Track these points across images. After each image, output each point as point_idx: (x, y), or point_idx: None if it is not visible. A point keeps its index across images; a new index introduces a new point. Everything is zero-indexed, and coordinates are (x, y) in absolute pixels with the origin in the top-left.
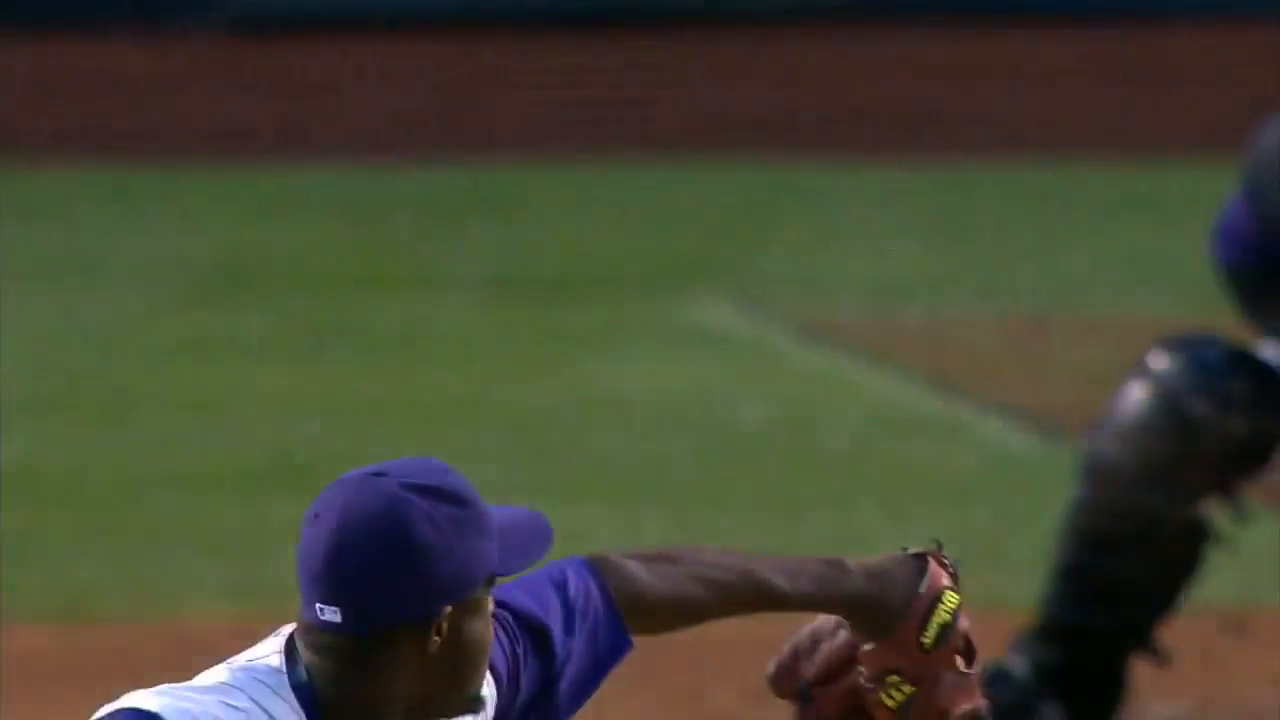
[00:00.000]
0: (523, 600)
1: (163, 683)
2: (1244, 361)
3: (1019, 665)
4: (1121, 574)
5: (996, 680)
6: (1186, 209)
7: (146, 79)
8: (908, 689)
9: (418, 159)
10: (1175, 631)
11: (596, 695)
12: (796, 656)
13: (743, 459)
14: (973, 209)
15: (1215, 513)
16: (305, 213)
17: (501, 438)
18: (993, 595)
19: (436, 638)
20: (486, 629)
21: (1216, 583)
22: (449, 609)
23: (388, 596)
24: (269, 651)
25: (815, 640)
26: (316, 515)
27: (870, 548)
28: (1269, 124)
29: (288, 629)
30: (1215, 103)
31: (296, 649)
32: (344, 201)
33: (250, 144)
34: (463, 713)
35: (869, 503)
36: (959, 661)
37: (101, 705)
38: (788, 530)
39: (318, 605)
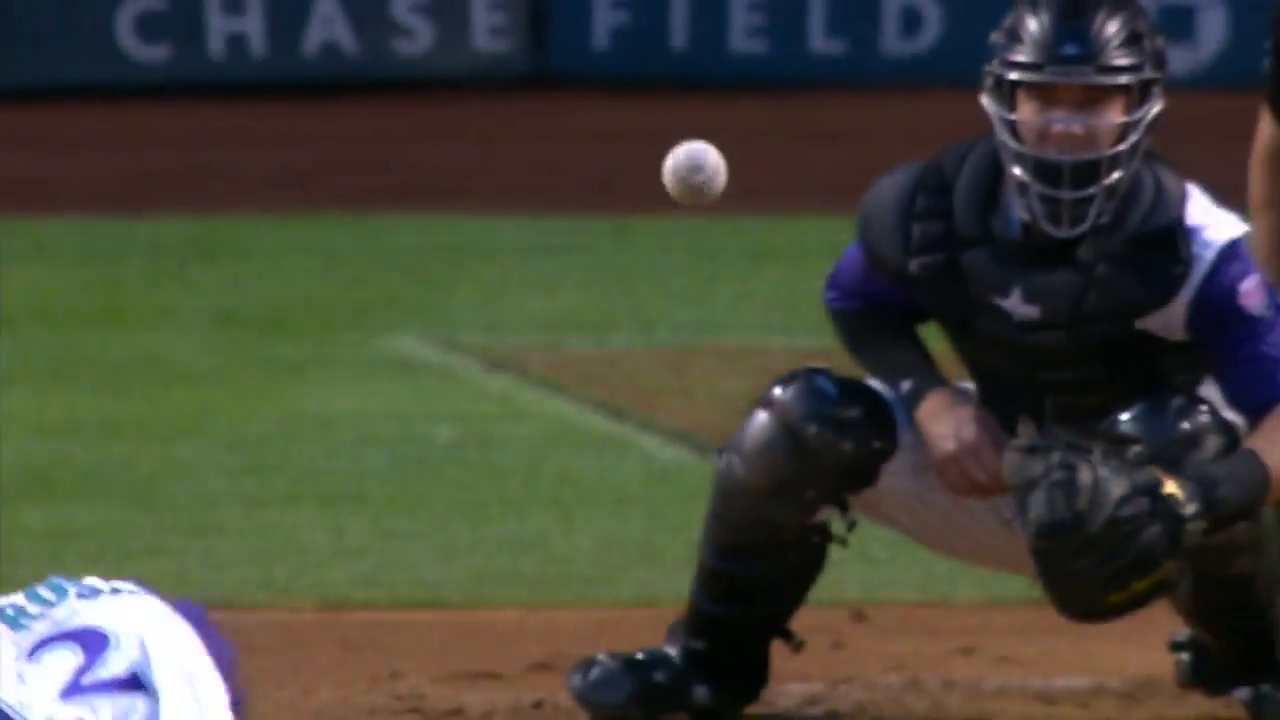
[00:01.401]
0: None
1: None
2: (854, 390)
3: (673, 652)
4: (754, 575)
5: (655, 664)
6: (817, 255)
7: None
8: None
9: (151, 212)
10: (807, 621)
11: (293, 679)
12: None
13: (434, 471)
14: (633, 257)
15: (831, 520)
16: (49, 259)
17: (224, 454)
18: (648, 590)
19: None
20: None
21: (843, 578)
22: None
23: None
24: None
25: None
26: None
27: (545, 548)
28: (879, 181)
29: None
30: (838, 163)
31: None
32: (84, 249)
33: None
34: None
35: (542, 509)
36: None
37: None
38: (472, 532)
39: None
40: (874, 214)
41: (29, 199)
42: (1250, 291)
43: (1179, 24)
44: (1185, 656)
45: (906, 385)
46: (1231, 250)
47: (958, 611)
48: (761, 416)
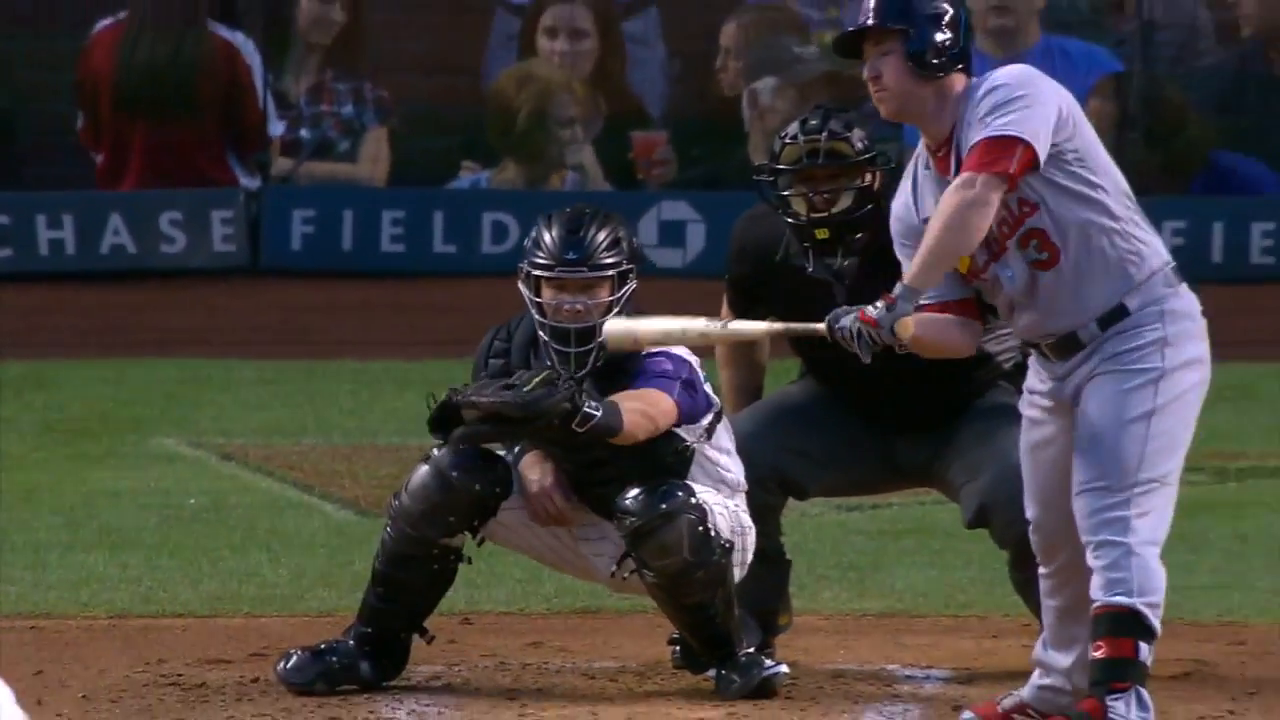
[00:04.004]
0: None
1: None
2: (484, 452)
3: (349, 639)
4: (407, 578)
5: (332, 651)
6: (438, 385)
7: None
8: None
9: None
10: (433, 623)
11: (94, 663)
12: None
13: (186, 526)
14: (318, 387)
15: (464, 544)
16: None
17: (48, 516)
18: (328, 606)
19: None
20: None
21: (455, 595)
22: None
23: None
24: None
25: None
26: None
27: (259, 577)
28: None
29: None
30: (454, 325)
31: None
32: None
33: None
34: None
35: (258, 551)
36: None
37: None
38: (212, 567)
39: None
40: (479, 354)
41: None
42: (658, 357)
43: (674, 234)
44: (677, 649)
45: (516, 449)
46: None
47: (530, 618)
48: (423, 466)
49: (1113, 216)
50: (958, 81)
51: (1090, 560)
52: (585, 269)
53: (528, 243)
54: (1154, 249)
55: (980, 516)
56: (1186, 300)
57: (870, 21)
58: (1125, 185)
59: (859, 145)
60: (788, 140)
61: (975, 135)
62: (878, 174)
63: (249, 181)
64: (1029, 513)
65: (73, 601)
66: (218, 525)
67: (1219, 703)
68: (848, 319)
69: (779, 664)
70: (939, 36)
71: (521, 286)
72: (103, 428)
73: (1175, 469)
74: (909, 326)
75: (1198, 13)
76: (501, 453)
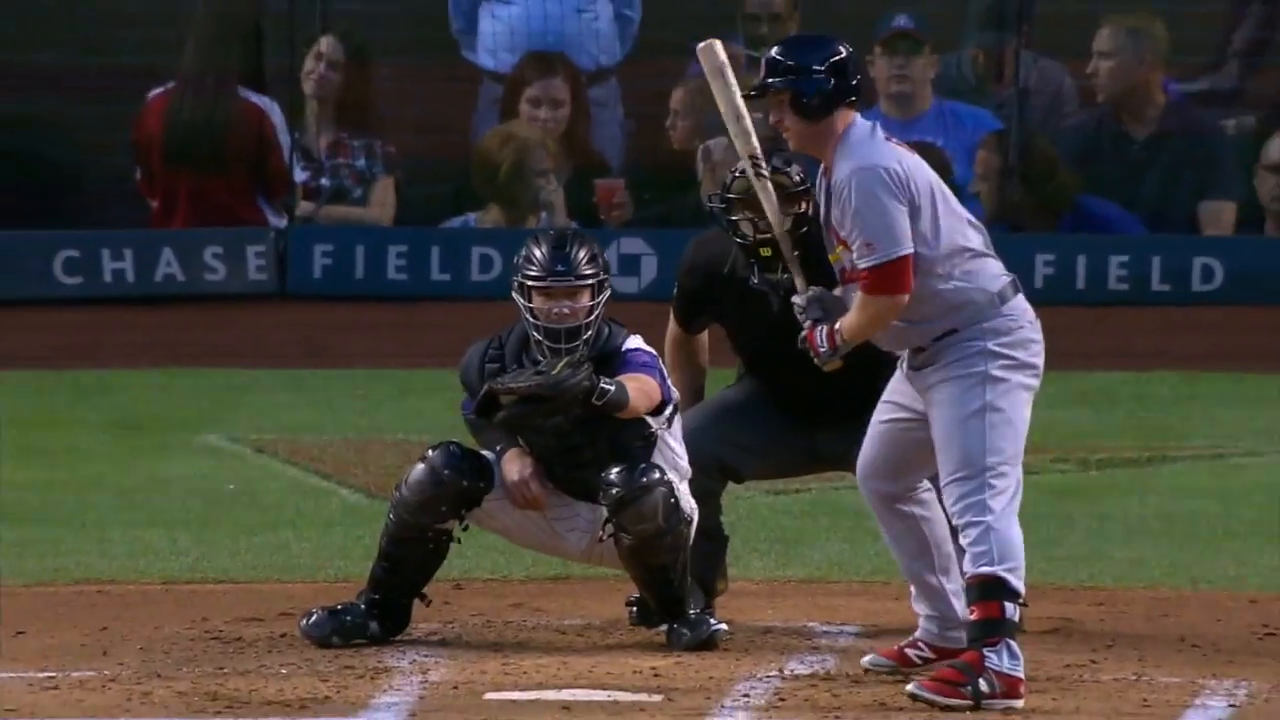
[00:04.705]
0: None
1: None
2: (471, 452)
3: (360, 602)
4: (407, 555)
5: (346, 611)
6: (438, 390)
7: None
8: None
9: (71, 369)
10: (431, 589)
11: (150, 620)
12: None
13: (226, 507)
14: (336, 391)
15: (454, 528)
16: (16, 394)
17: (112, 498)
18: (343, 573)
19: None
20: None
21: (450, 565)
22: None
23: None
24: None
25: None
26: None
27: (287, 549)
28: (470, 348)
29: None
30: (449, 339)
31: None
32: (34, 390)
33: None
34: None
35: (285, 528)
36: None
37: None
38: (248, 540)
39: None
40: (468, 364)
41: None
42: (637, 351)
43: (630, 265)
44: (634, 609)
45: (499, 448)
46: (634, 344)
47: (512, 584)
48: (420, 465)
49: (944, 277)
50: (841, 120)
51: (961, 540)
52: (572, 279)
53: (518, 260)
54: (983, 285)
55: None
56: (1012, 311)
57: (767, 83)
58: (963, 238)
59: (796, 178)
60: (737, 174)
61: (860, 255)
62: (811, 202)
63: (277, 221)
64: (864, 446)
65: (132, 570)
66: (252, 507)
67: (1083, 654)
68: (805, 323)
69: (720, 622)
70: (821, 84)
71: (516, 296)
72: (156, 426)
73: (1018, 450)
74: (837, 365)
75: (1064, 82)
76: (485, 453)
